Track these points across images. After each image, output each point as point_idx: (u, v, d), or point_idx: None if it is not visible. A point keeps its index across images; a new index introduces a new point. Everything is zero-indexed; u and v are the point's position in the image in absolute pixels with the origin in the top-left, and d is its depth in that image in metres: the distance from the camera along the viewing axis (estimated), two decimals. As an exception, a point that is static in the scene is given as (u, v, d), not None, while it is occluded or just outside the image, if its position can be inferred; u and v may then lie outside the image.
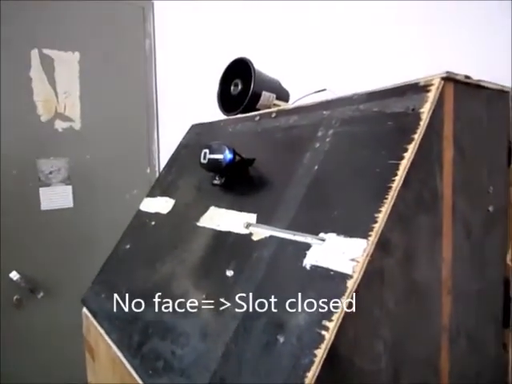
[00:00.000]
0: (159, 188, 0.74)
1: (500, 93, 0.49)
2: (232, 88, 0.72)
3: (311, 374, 0.31)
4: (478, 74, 0.45)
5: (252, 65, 0.70)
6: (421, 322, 0.41)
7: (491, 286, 0.51)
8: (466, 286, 0.46)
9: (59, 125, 1.46)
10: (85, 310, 0.69)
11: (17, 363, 1.43)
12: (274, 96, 0.71)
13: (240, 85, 0.71)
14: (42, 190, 1.43)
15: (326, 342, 0.31)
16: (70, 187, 1.49)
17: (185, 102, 1.55)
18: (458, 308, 0.45)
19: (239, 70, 0.72)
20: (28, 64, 1.39)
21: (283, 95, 0.74)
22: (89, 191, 1.52)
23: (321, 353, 0.31)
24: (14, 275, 1.39)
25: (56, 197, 1.46)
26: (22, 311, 1.43)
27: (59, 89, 1.45)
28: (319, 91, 0.72)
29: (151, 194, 0.75)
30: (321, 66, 0.94)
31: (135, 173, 1.64)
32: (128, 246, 0.69)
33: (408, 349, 0.40)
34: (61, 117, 1.46)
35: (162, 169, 1.63)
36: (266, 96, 0.70)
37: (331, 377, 0.33)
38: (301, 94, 0.76)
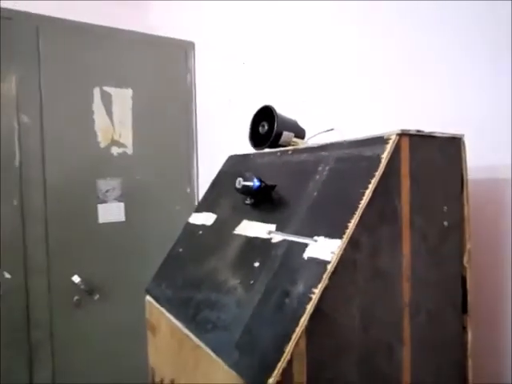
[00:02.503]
0: (204, 205, 0.98)
1: (452, 139, 0.70)
2: (260, 128, 0.96)
3: (302, 320, 0.52)
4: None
5: (275, 111, 0.93)
6: (385, 297, 0.61)
7: (451, 280, 0.71)
8: (423, 276, 0.66)
9: (115, 150, 1.75)
10: (148, 297, 0.93)
11: (74, 355, 1.69)
12: (293, 134, 0.94)
13: (266, 126, 0.95)
14: (100, 206, 1.72)
15: (312, 301, 0.53)
16: (122, 204, 1.77)
17: (219, 131, 1.81)
18: (417, 292, 0.65)
19: (265, 114, 0.95)
20: (91, 99, 1.69)
21: (300, 133, 0.97)
22: (138, 207, 1.80)
23: (309, 307, 0.53)
24: (76, 278, 1.67)
25: (111, 212, 1.75)
26: (81, 310, 1.70)
27: (115, 119, 1.75)
28: (328, 130, 0.94)
29: (197, 210, 0.99)
30: (331, 107, 1.17)
31: (177, 192, 1.91)
32: (181, 250, 0.93)
33: (376, 314, 0.60)
34: (116, 143, 1.75)
35: (199, 188, 1.88)
36: (286, 134, 0.93)
37: (317, 325, 0.54)
38: (314, 129, 0.98)
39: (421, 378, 0.66)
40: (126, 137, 1.77)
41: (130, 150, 1.78)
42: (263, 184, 0.75)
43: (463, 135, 0.71)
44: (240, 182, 0.77)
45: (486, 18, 0.83)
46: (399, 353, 0.63)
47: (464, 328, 0.73)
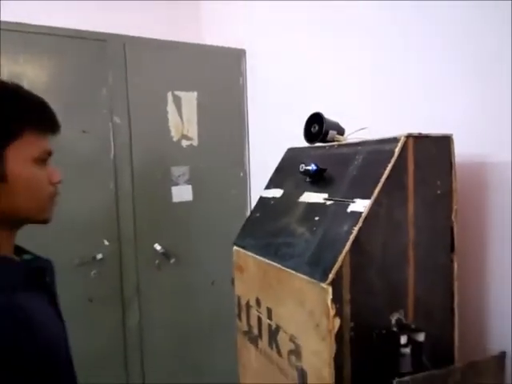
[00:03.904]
0: (272, 184, 1.42)
1: (444, 137, 1.11)
2: (312, 128, 1.38)
3: (348, 244, 0.96)
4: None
5: (323, 116, 1.35)
6: (397, 235, 1.04)
7: (442, 229, 1.12)
8: (423, 224, 1.07)
9: (184, 143, 2.21)
10: (235, 247, 1.38)
11: (156, 306, 2.19)
12: (336, 132, 1.36)
13: (317, 127, 1.37)
14: (173, 188, 2.19)
15: (353, 235, 0.96)
16: (190, 186, 2.24)
17: (268, 125, 2.24)
18: (418, 234, 1.07)
19: (316, 118, 1.37)
20: (165, 102, 2.16)
21: (341, 131, 1.39)
22: (203, 189, 2.26)
23: (351, 238, 0.96)
24: (157, 246, 2.16)
25: (182, 193, 2.22)
26: (160, 271, 2.19)
27: (184, 118, 2.21)
28: (362, 129, 1.36)
29: (268, 187, 1.43)
30: (363, 111, 1.58)
31: (232, 176, 2.37)
32: (258, 214, 1.38)
33: (390, 245, 1.03)
34: (185, 137, 2.21)
35: (250, 173, 2.32)
36: (332, 133, 1.35)
37: (355, 248, 0.97)
38: (350, 128, 1.40)
39: (420, 290, 1.09)
40: (193, 132, 2.23)
41: (195, 142, 2.24)
42: (318, 168, 1.18)
43: (452, 134, 1.12)
44: (302, 167, 1.20)
45: (471, 23, 1.21)
46: (406, 270, 1.06)
47: (451, 261, 1.14)
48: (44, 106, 0.74)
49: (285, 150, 1.51)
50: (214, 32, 2.71)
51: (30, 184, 0.70)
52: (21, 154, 0.68)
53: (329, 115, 1.37)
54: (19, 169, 0.68)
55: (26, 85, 0.72)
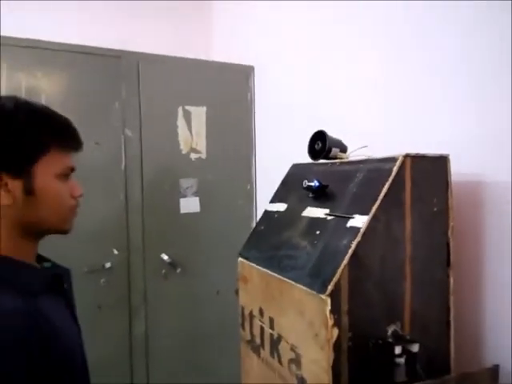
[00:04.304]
0: (277, 198, 1.49)
1: (440, 157, 1.17)
2: (316, 146, 1.45)
3: (346, 258, 1.02)
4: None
5: (326, 134, 1.42)
6: (394, 250, 1.09)
7: (439, 245, 1.18)
8: (419, 240, 1.13)
9: (193, 156, 2.29)
10: (240, 259, 1.45)
11: (162, 314, 2.25)
12: (338, 150, 1.43)
13: (320, 144, 1.44)
14: (181, 200, 2.27)
15: (351, 248, 1.03)
16: (197, 198, 2.31)
17: (275, 140, 2.32)
18: (415, 250, 1.12)
19: (319, 136, 1.44)
20: (176, 116, 2.24)
21: (343, 149, 1.45)
22: (210, 201, 2.34)
23: (350, 251, 1.02)
24: (164, 256, 2.23)
25: (189, 204, 2.29)
26: (167, 280, 2.25)
27: (193, 131, 2.29)
28: (363, 147, 1.42)
29: (272, 201, 1.50)
30: (365, 129, 1.65)
31: (240, 189, 2.44)
32: (262, 227, 1.45)
33: (387, 259, 1.09)
34: (194, 150, 2.29)
35: (257, 186, 2.39)
36: (335, 150, 1.42)
37: (353, 262, 1.03)
38: (353, 144, 1.46)
39: (417, 303, 1.14)
40: (201, 145, 2.32)
41: (204, 156, 2.32)
42: (321, 184, 1.25)
43: (448, 154, 1.18)
44: (306, 183, 1.27)
45: (469, 49, 1.27)
46: (403, 284, 1.11)
47: (448, 276, 1.20)
48: (69, 126, 0.81)
49: (290, 163, 1.58)
50: (224, 48, 2.81)
51: (54, 198, 0.77)
52: (47, 170, 0.75)
53: (334, 132, 1.44)
54: (45, 183, 0.75)
55: (43, 98, 0.80)
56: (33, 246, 0.80)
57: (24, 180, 0.73)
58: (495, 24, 1.21)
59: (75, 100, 2.01)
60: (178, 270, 2.26)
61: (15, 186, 0.72)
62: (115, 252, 2.12)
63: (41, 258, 0.86)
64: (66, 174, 0.79)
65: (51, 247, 0.95)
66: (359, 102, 1.71)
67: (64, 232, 0.82)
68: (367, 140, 1.46)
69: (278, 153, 2.25)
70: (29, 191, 0.73)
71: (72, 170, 0.81)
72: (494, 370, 1.14)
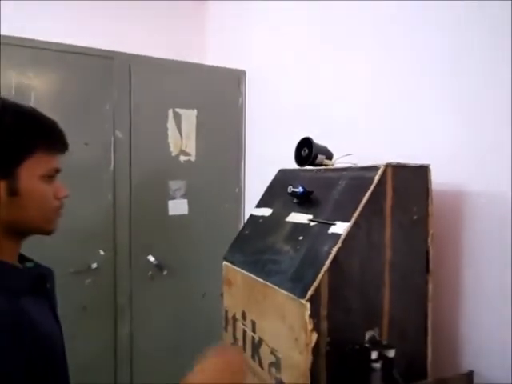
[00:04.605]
0: (262, 203, 1.51)
1: (421, 167, 1.20)
2: (302, 152, 1.48)
3: (327, 264, 1.04)
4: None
5: (313, 141, 1.45)
6: (374, 256, 1.12)
7: (418, 252, 1.21)
8: (399, 247, 1.16)
9: (182, 158, 2.31)
10: (225, 262, 1.47)
11: (148, 316, 2.26)
12: (324, 157, 1.46)
13: (306, 150, 1.46)
14: (170, 202, 2.28)
15: (332, 254, 1.05)
16: (186, 200, 2.33)
17: (264, 144, 2.35)
18: (394, 256, 1.15)
19: (306, 142, 1.47)
20: (166, 118, 2.26)
21: (329, 156, 1.48)
22: (198, 203, 2.35)
23: (330, 257, 1.05)
24: (150, 257, 2.24)
25: (178, 206, 2.31)
26: (153, 282, 2.26)
27: (183, 134, 2.31)
28: (348, 155, 1.45)
29: (258, 206, 1.52)
30: (351, 137, 1.68)
31: (228, 191, 2.46)
32: (247, 232, 1.47)
33: (367, 265, 1.11)
34: (183, 153, 2.31)
35: (245, 189, 2.41)
36: (320, 157, 1.45)
37: (334, 268, 1.06)
38: (339, 151, 1.49)
39: (396, 309, 1.17)
40: (191, 147, 2.33)
41: (193, 158, 2.34)
42: (305, 190, 1.27)
43: (429, 164, 1.21)
44: (290, 189, 1.29)
45: (457, 62, 1.31)
46: (382, 290, 1.14)
47: (426, 283, 1.23)
48: (55, 128, 0.83)
49: (279, 168, 1.61)
50: (216, 52, 2.83)
51: (38, 198, 0.78)
52: (32, 171, 0.77)
53: (321, 139, 1.47)
54: (30, 184, 0.77)
55: (33, 97, 0.81)
56: (16, 246, 0.81)
57: (8, 181, 0.75)
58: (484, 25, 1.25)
59: (66, 100, 2.02)
60: (165, 272, 2.27)
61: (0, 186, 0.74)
62: (101, 253, 2.13)
63: (23, 258, 0.87)
64: (50, 176, 0.81)
65: (37, 247, 0.97)
66: (347, 110, 1.75)
67: (48, 233, 0.84)
68: (353, 147, 1.49)
69: (266, 157, 2.27)
70: (13, 192, 0.75)
71: (57, 171, 0.83)
72: (469, 376, 1.17)
